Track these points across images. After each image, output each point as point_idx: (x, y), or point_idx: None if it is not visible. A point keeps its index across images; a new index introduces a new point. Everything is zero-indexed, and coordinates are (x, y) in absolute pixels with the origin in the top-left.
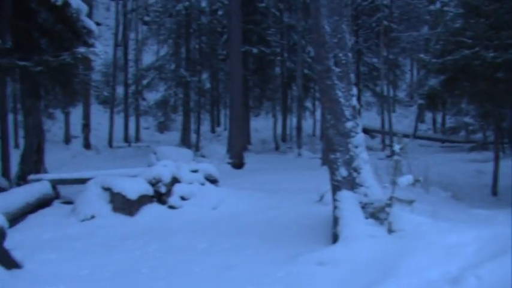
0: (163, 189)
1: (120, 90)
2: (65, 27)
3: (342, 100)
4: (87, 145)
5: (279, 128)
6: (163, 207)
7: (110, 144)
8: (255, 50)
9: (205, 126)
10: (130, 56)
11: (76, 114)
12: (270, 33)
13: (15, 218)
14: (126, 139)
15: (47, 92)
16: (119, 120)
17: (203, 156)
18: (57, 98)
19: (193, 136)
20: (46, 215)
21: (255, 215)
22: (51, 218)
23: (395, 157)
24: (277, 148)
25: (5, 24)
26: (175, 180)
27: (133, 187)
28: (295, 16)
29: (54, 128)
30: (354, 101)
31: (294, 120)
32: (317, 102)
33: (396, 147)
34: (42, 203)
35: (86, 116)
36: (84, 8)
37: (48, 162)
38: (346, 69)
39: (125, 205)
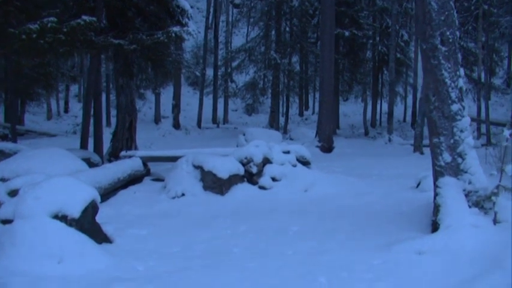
0: (254, 170)
1: (209, 72)
2: (159, 7)
3: (447, 81)
4: (176, 125)
5: (368, 113)
6: (254, 188)
7: (199, 125)
8: (346, 33)
9: (293, 110)
10: (221, 39)
11: (166, 95)
12: (362, 15)
13: (107, 193)
14: (215, 120)
15: (140, 71)
16: (207, 101)
17: (291, 139)
18: (148, 78)
19: (281, 119)
20: (137, 191)
21: (347, 199)
22: (141, 194)
23: (504, 143)
24: (366, 133)
25: (101, 3)
26: (266, 161)
27: (225, 166)
28: None
29: (144, 108)
30: (461, 83)
31: (384, 105)
32: (409, 88)
33: (506, 133)
34: (133, 179)
35: (176, 97)
36: None
37: (138, 141)
38: (453, 48)
39: (215, 184)
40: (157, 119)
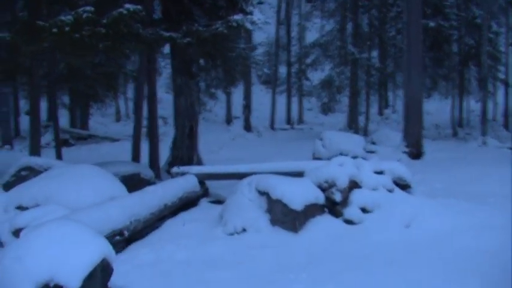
0: (338, 197)
1: (283, 69)
2: None
3: None
4: (247, 127)
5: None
6: (338, 222)
7: (272, 126)
8: (431, 24)
9: (372, 109)
10: (293, 34)
11: (238, 94)
12: (447, 4)
13: (149, 225)
14: (289, 121)
15: (200, 69)
16: (281, 100)
17: (373, 143)
18: (217, 77)
19: (359, 119)
20: (187, 221)
21: (469, 239)
22: (192, 227)
23: None
24: (455, 134)
25: None
26: (354, 185)
27: (298, 193)
28: None
29: (216, 108)
30: None
31: (471, 103)
32: (499, 84)
33: None
34: (186, 203)
35: (247, 97)
36: None
37: (207, 144)
38: None
39: (286, 217)
40: (228, 120)
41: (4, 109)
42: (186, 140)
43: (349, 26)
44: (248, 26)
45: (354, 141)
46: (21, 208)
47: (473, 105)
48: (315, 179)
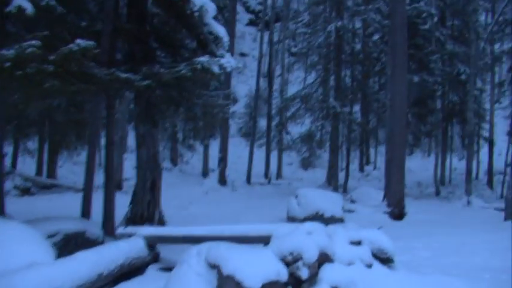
0: (304, 274)
1: (263, 123)
2: (187, 32)
3: None
4: (222, 181)
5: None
6: None
7: (248, 180)
8: (416, 78)
9: (353, 165)
10: (276, 87)
11: (216, 146)
12: (432, 59)
13: None
14: (267, 175)
15: (163, 116)
16: (260, 154)
17: (353, 201)
18: (195, 128)
19: (339, 175)
20: None
21: None
22: None
23: None
24: (437, 193)
25: (109, 26)
26: (325, 258)
27: (255, 267)
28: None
29: (193, 160)
30: None
31: (454, 160)
32: (482, 141)
33: None
34: (129, 271)
35: (223, 149)
36: (212, 7)
37: (177, 199)
38: None
39: None
40: (205, 172)
41: None
42: (148, 194)
43: (332, 79)
44: (215, 69)
45: (332, 200)
46: None
47: (455, 163)
48: (278, 250)
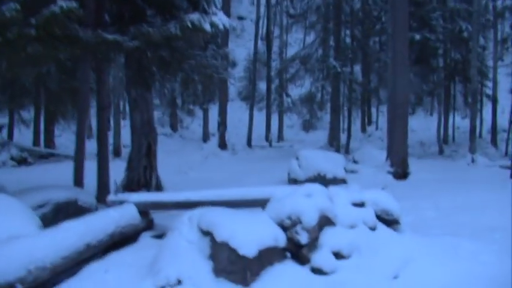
0: (303, 238)
1: (263, 85)
2: None
3: None
4: (222, 145)
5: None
6: (304, 271)
7: (249, 144)
8: (417, 36)
9: (355, 125)
10: (275, 49)
11: (216, 110)
12: (434, 16)
13: (64, 271)
14: (268, 138)
15: (156, 79)
16: (261, 117)
17: (355, 162)
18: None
19: (341, 136)
20: (116, 264)
21: None
22: (118, 274)
23: None
24: (441, 152)
25: None
26: (325, 222)
27: (251, 233)
28: None
29: (193, 126)
30: None
31: (457, 119)
32: (485, 100)
33: None
34: (122, 239)
35: (222, 112)
36: None
37: (177, 164)
38: None
39: (234, 265)
40: (205, 137)
41: None
42: (143, 159)
43: (331, 40)
44: (206, 27)
45: (334, 161)
46: None
47: (458, 121)
48: (275, 215)
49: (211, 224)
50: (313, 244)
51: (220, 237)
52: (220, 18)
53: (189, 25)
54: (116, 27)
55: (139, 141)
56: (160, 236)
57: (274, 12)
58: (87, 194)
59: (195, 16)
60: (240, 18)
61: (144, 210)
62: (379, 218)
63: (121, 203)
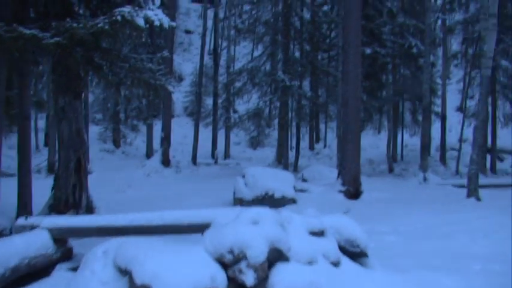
0: (249, 278)
1: (209, 101)
2: None
3: None
4: (165, 161)
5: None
6: None
7: (194, 161)
8: (368, 51)
9: (303, 142)
10: (222, 63)
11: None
12: (384, 30)
13: None
14: (214, 155)
15: (83, 85)
16: (207, 134)
17: (305, 180)
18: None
19: (290, 153)
20: None
21: None
22: None
23: None
24: (390, 170)
25: None
26: (277, 256)
27: (181, 273)
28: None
29: (137, 142)
30: None
31: (406, 136)
32: (433, 116)
33: None
34: (30, 272)
35: (166, 127)
36: None
37: (116, 182)
38: None
39: None
40: (149, 154)
41: None
42: (72, 177)
43: (280, 52)
44: (139, 21)
45: (282, 179)
46: None
47: (407, 139)
48: (213, 248)
49: (131, 260)
50: (261, 285)
51: (140, 278)
52: (156, 14)
53: (119, 19)
54: (40, 24)
55: (68, 156)
56: (76, 269)
57: (222, 26)
58: (2, 216)
59: (126, 9)
60: (188, 31)
61: (59, 237)
62: (342, 250)
63: (32, 228)
